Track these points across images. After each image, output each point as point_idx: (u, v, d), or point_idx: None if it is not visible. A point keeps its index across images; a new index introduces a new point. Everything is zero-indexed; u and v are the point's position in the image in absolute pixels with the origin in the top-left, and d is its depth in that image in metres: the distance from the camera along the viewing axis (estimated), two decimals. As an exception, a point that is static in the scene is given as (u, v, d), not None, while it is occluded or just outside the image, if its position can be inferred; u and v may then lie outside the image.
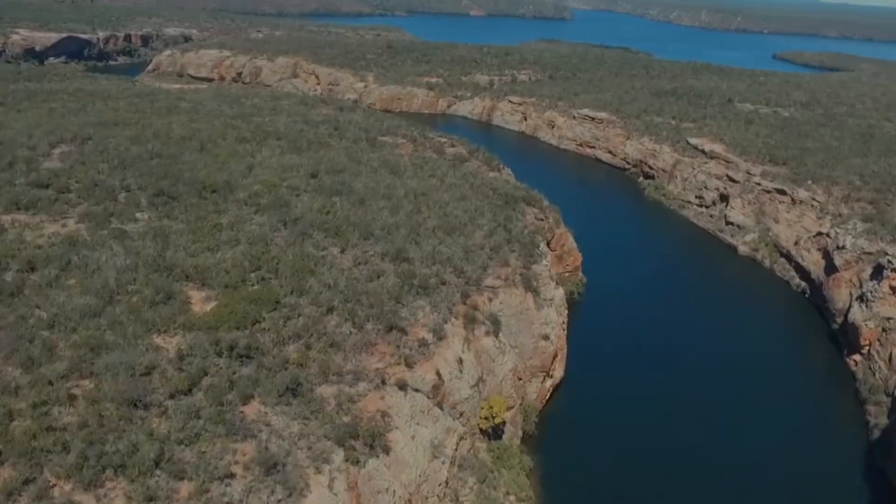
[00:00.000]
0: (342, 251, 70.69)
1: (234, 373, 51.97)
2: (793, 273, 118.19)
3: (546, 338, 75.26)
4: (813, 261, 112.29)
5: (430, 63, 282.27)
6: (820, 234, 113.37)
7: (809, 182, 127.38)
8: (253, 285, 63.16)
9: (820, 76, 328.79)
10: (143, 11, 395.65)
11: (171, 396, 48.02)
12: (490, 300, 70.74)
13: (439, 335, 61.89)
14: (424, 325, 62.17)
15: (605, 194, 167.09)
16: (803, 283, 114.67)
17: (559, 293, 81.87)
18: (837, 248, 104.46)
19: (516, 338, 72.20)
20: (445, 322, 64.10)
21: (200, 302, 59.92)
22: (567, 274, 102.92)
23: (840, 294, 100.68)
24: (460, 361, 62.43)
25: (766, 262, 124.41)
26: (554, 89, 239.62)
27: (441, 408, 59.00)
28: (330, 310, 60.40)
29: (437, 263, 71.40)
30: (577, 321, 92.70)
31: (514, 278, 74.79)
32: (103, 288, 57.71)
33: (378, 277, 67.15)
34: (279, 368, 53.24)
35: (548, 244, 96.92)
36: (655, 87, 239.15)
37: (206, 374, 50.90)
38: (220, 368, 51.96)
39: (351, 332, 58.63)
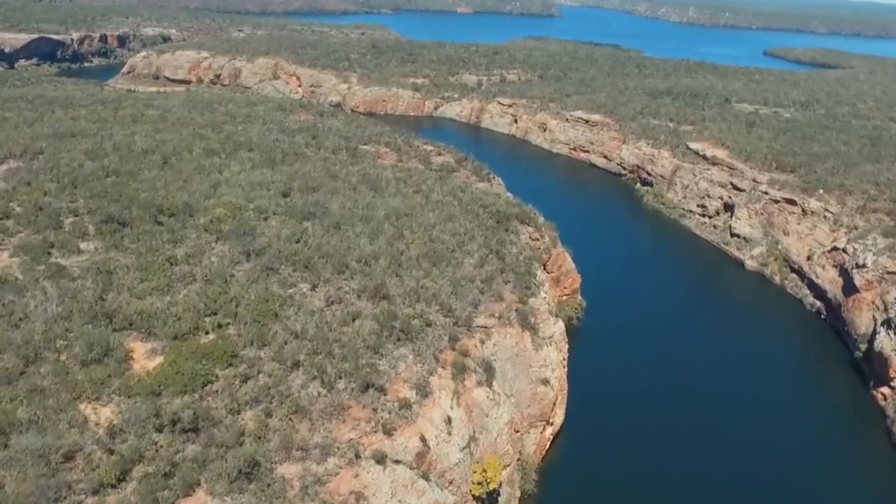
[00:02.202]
0: (313, 288, 61.91)
1: (176, 452, 43.37)
2: (806, 291, 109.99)
3: (546, 382, 66.68)
4: (828, 278, 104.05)
5: (416, 63, 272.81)
6: (835, 249, 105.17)
7: (821, 191, 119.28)
8: (207, 333, 54.48)
9: (816, 74, 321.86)
10: (120, 11, 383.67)
11: (95, 492, 39.42)
12: (482, 343, 62.12)
13: (424, 391, 53.25)
14: (406, 380, 53.49)
15: (601, 203, 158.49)
16: (818, 303, 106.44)
17: (559, 327, 73.34)
18: (857, 266, 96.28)
19: (512, 384, 63.64)
20: (431, 374, 55.49)
21: (144, 357, 51.16)
22: (565, 297, 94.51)
23: (862, 317, 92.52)
24: (448, 421, 53.80)
25: (776, 279, 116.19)
26: (545, 90, 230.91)
27: (427, 479, 50.33)
28: (295, 365, 51.73)
29: (421, 301, 62.78)
30: (577, 351, 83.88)
31: (509, 315, 66.17)
32: (27, 343, 48.85)
33: (353, 320, 58.47)
34: (233, 443, 44.66)
35: (544, 266, 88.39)
36: (649, 87, 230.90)
37: (142, 458, 42.14)
38: (160, 448, 43.38)
39: (319, 394, 49.96)
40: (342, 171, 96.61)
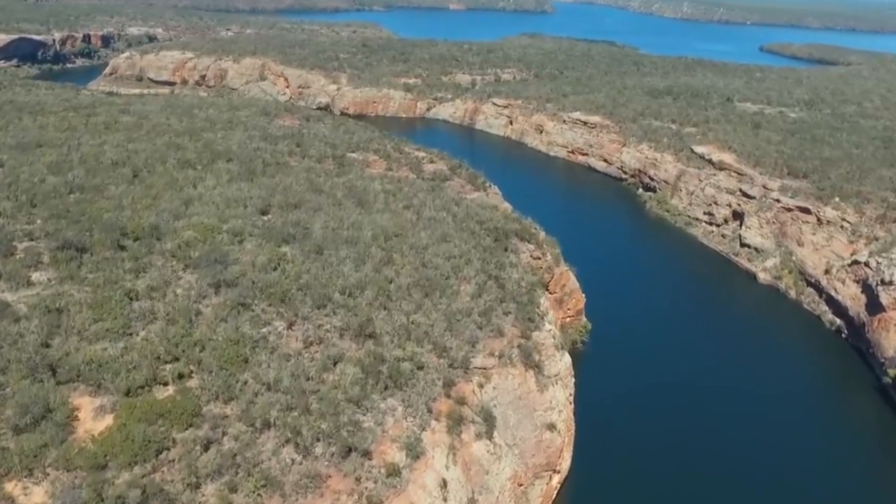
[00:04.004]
0: (289, 326, 54.79)
1: (119, 545, 36.30)
2: (824, 307, 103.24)
3: (552, 427, 59.76)
4: (850, 295, 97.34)
5: (407, 62, 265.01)
6: (856, 262, 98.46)
7: (836, 199, 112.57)
8: (166, 385, 47.43)
9: (818, 71, 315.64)
10: (105, 10, 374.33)
11: None
12: (481, 387, 55.20)
13: (415, 452, 46.29)
14: (395, 438, 46.51)
15: (603, 210, 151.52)
16: (838, 321, 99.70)
17: (565, 361, 66.46)
18: (882, 282, 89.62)
19: (515, 433, 56.71)
20: (423, 428, 48.57)
21: (91, 417, 44.21)
22: (568, 319, 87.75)
23: (889, 339, 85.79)
24: (444, 484, 46.87)
25: (792, 293, 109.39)
26: (541, 90, 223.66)
27: (419, 556, 43.43)
28: (266, 424, 44.76)
29: (411, 339, 55.84)
30: (583, 378, 76.27)
31: (511, 353, 59.19)
32: (-50, 405, 41.71)
33: (335, 365, 51.49)
34: (188, 528, 37.64)
35: (546, 287, 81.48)
36: (649, 86, 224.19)
37: (75, 556, 35.16)
38: (100, 539, 36.32)
39: (293, 461, 43.02)
40: (327, 184, 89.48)
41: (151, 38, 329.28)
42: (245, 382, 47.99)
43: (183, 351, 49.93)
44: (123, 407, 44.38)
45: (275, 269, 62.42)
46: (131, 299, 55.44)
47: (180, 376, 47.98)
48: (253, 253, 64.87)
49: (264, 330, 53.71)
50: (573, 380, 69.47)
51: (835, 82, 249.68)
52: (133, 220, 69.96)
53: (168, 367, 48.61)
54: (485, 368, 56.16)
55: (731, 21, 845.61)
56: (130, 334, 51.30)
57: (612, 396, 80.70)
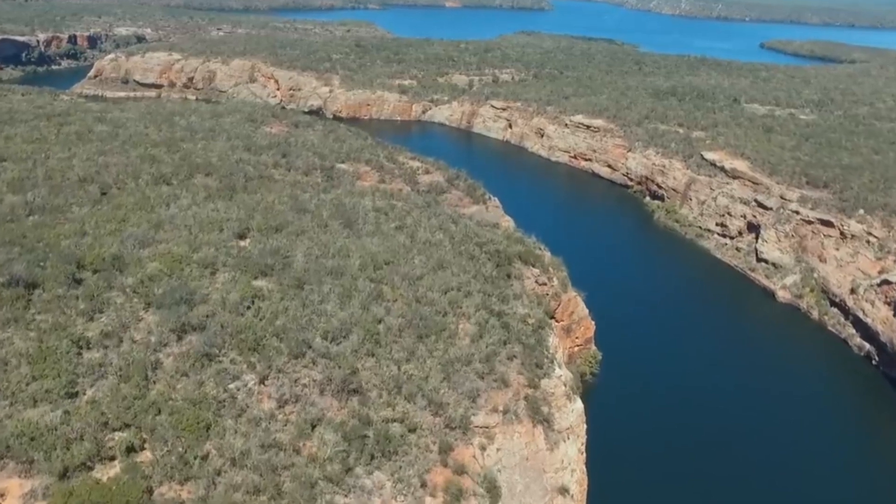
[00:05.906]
0: (261, 381, 47.31)
1: None
2: (851, 330, 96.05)
3: (564, 491, 52.41)
4: (881, 318, 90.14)
5: (402, 63, 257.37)
6: (887, 282, 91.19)
7: (861, 211, 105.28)
8: (113, 460, 40.15)
9: (825, 70, 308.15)
10: (93, 10, 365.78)
11: None
12: (483, 449, 47.80)
13: (407, 542, 38.94)
14: (382, 526, 39.18)
15: (608, 221, 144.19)
16: (867, 346, 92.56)
17: (577, 410, 59.12)
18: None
19: (522, 500, 49.28)
20: (417, 509, 41.21)
21: (18, 506, 36.79)
22: (576, 349, 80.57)
23: (928, 370, 78.79)
24: (441, 579, 39.51)
25: (814, 313, 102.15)
26: (541, 91, 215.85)
27: None
28: (228, 514, 37.31)
29: (402, 395, 48.41)
30: (594, 418, 68.22)
31: (517, 407, 51.79)
32: None
33: (313, 429, 44.14)
34: None
35: (552, 315, 74.04)
36: (652, 86, 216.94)
37: None
38: None
39: (258, 564, 35.60)
40: (312, 202, 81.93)
41: (140, 39, 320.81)
42: (206, 456, 40.71)
43: (135, 416, 42.63)
44: (57, 495, 37.01)
45: (248, 307, 54.99)
46: (80, 348, 48.08)
47: (129, 449, 40.65)
48: (224, 289, 57.33)
49: (232, 386, 46.30)
50: (585, 426, 62.09)
51: (844, 81, 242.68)
52: (94, 248, 62.32)
53: (116, 435, 41.43)
54: (487, 427, 48.79)
55: (730, 18, 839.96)
56: (75, 394, 44.05)
57: (627, 436, 73.70)
